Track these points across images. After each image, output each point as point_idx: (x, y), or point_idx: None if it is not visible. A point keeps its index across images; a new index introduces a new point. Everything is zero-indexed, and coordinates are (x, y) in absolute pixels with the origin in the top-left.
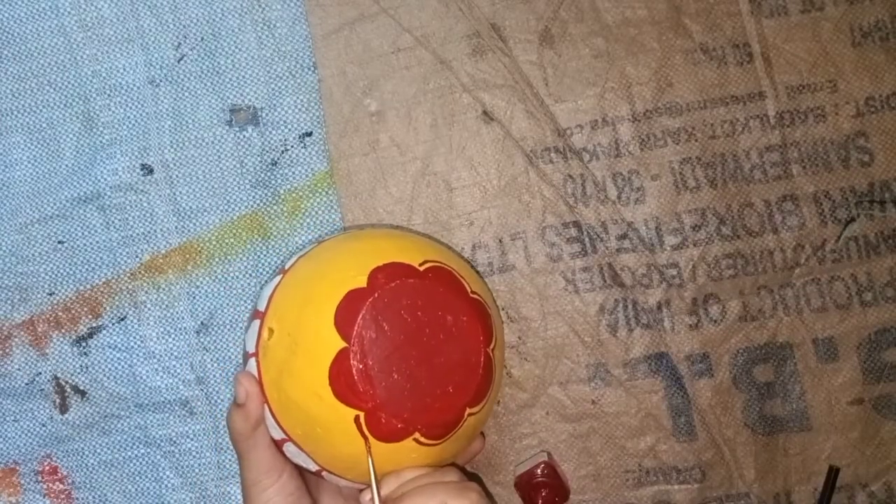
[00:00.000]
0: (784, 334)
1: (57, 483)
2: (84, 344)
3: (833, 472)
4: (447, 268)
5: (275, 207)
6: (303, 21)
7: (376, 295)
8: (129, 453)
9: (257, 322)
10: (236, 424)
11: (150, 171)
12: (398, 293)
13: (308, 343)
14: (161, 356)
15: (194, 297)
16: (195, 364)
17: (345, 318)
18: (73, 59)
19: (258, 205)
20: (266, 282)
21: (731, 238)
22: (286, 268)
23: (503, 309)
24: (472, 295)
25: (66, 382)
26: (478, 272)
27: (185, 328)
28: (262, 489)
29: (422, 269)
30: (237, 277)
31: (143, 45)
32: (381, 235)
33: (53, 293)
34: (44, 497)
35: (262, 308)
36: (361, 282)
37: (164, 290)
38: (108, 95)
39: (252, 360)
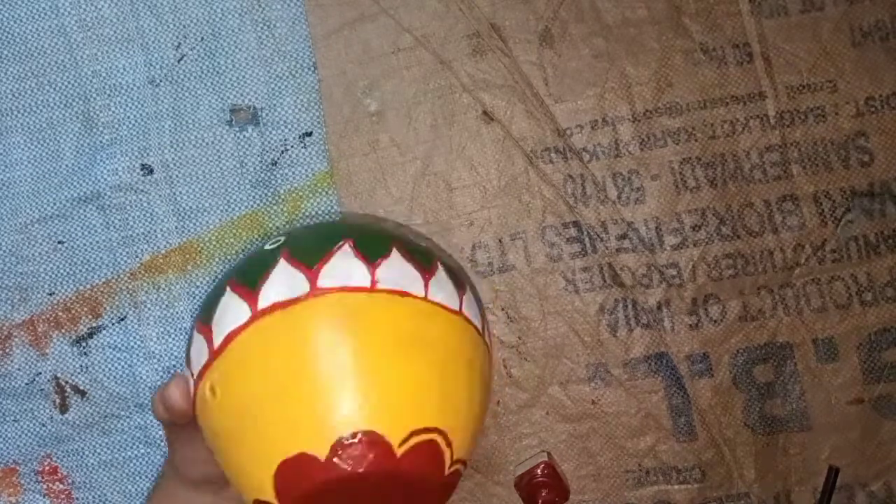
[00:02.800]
0: (784, 334)
1: (57, 483)
2: (84, 344)
3: (833, 472)
4: (435, 441)
5: (275, 207)
6: (303, 21)
7: (330, 476)
8: (129, 453)
9: (202, 345)
10: (159, 413)
11: (150, 171)
12: (360, 481)
13: (242, 477)
14: (161, 356)
15: (194, 297)
16: None
17: (288, 482)
18: (73, 59)
19: (258, 205)
20: (223, 292)
21: (731, 238)
22: (259, 308)
23: (503, 309)
24: (448, 471)
25: (66, 382)
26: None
27: (185, 328)
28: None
29: (400, 451)
30: None
31: (143, 45)
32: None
33: (53, 293)
34: (44, 497)
35: (215, 340)
36: (321, 449)
37: (164, 290)
38: (108, 95)
39: (189, 379)
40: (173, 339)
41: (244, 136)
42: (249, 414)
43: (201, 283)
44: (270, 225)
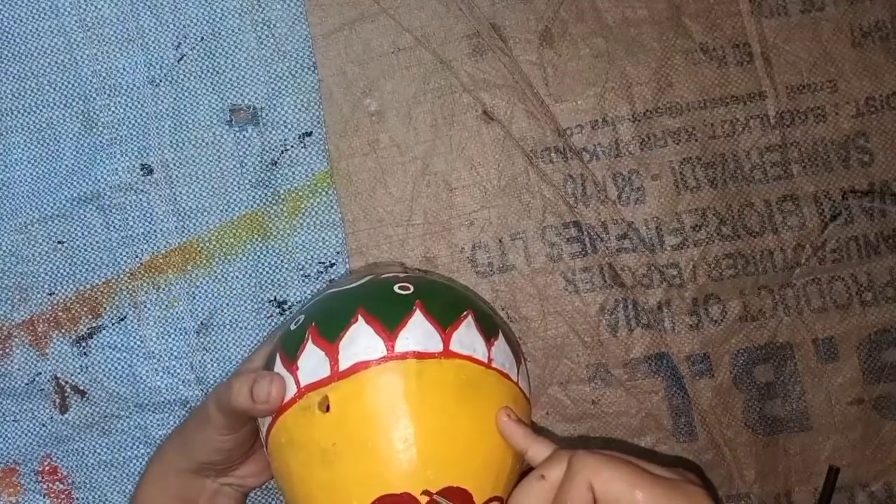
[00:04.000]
0: (784, 334)
1: (57, 483)
2: (84, 344)
3: (833, 472)
4: (462, 488)
5: (275, 207)
6: (303, 21)
7: None
8: (129, 453)
9: (323, 360)
10: (241, 401)
11: (150, 171)
12: None
13: (328, 493)
14: (161, 356)
15: (194, 297)
16: (195, 364)
17: None
18: (73, 59)
19: (258, 205)
20: (353, 319)
21: (732, 238)
22: (396, 351)
23: (503, 309)
24: None
25: (66, 382)
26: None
27: (184, 328)
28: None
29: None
30: (237, 277)
31: (143, 45)
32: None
33: (53, 293)
34: (44, 497)
35: (341, 362)
36: (420, 493)
37: (163, 290)
38: (108, 95)
39: (285, 381)
40: (173, 339)
41: (244, 136)
42: (360, 442)
43: (201, 283)
44: (270, 225)
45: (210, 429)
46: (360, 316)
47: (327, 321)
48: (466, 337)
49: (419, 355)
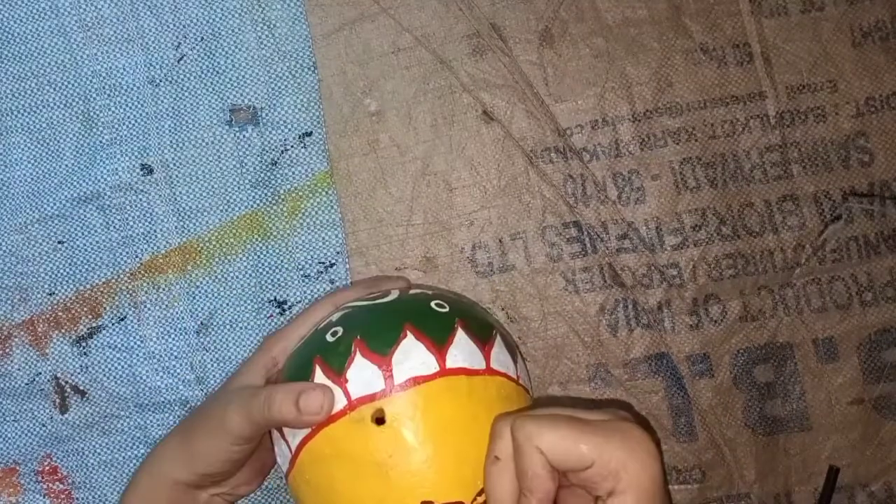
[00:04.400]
0: (784, 334)
1: (57, 483)
2: (84, 344)
3: (833, 473)
4: None
5: (275, 207)
6: (303, 21)
7: None
8: (129, 453)
9: (375, 374)
10: (284, 413)
11: (150, 171)
12: None
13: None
14: (161, 356)
15: (194, 297)
16: (195, 364)
17: None
18: (73, 59)
19: (258, 205)
20: (402, 334)
21: (732, 238)
22: (447, 367)
23: (503, 309)
24: None
25: (66, 382)
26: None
27: (184, 328)
28: (230, 448)
29: None
30: (237, 277)
31: (143, 45)
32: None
33: (53, 293)
34: (44, 497)
35: (396, 376)
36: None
37: (163, 290)
38: (108, 95)
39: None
40: (173, 339)
41: (244, 136)
42: (416, 455)
43: (201, 283)
44: (270, 225)
45: (224, 439)
46: (408, 332)
47: (375, 335)
48: (501, 355)
49: (468, 372)
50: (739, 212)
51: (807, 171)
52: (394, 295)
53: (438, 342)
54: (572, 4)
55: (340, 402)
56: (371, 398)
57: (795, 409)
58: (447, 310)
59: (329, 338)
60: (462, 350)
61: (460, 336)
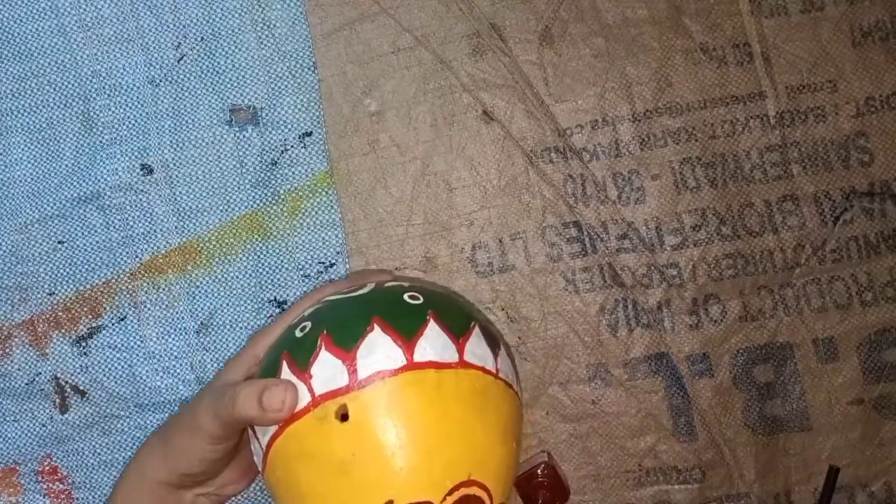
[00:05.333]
0: (784, 334)
1: (57, 483)
2: (84, 344)
3: (833, 472)
4: (478, 495)
5: (275, 207)
6: (303, 21)
7: None
8: (129, 453)
9: (339, 369)
10: (248, 410)
11: (150, 171)
12: None
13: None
14: (161, 356)
15: (194, 297)
16: (195, 364)
17: None
18: (73, 59)
19: (258, 205)
20: (370, 328)
21: (732, 238)
22: (414, 361)
23: (503, 309)
24: None
25: (66, 382)
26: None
27: (185, 328)
28: (205, 449)
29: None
30: (237, 277)
31: (143, 45)
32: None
33: (53, 293)
34: (44, 497)
35: (360, 371)
36: (438, 498)
37: (164, 290)
38: (108, 95)
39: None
40: (173, 339)
41: (244, 136)
42: (380, 452)
43: (201, 283)
44: (270, 225)
45: (199, 438)
46: (375, 325)
47: (341, 329)
48: (478, 347)
49: (437, 365)
50: (739, 212)
51: (807, 171)
52: (367, 288)
53: (407, 335)
54: (572, 4)
55: (304, 399)
56: (335, 394)
57: (795, 409)
58: (420, 301)
59: (297, 333)
60: (432, 343)
61: (431, 328)
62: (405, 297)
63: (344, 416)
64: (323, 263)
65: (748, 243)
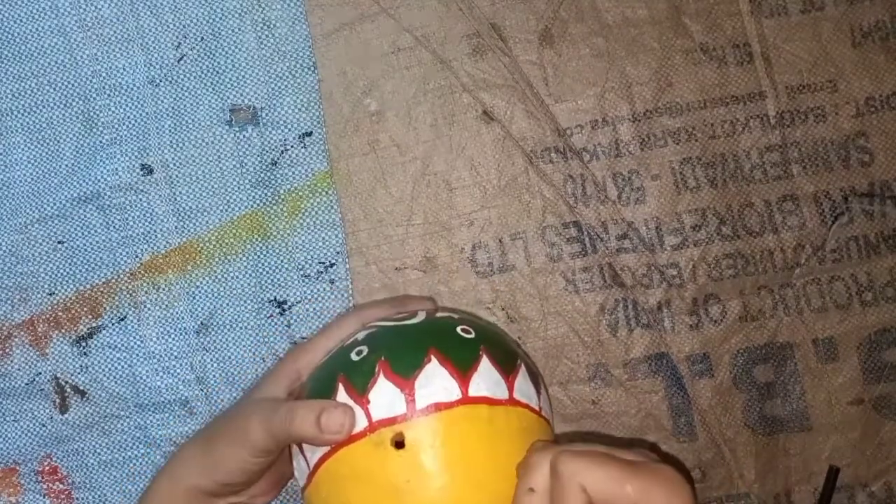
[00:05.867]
0: (784, 334)
1: (57, 483)
2: (84, 344)
3: (833, 472)
4: None
5: (275, 207)
6: (303, 21)
7: None
8: (129, 453)
9: (398, 397)
10: (305, 429)
11: (150, 171)
12: None
13: None
14: (161, 356)
15: (194, 297)
16: (195, 364)
17: None
18: (73, 59)
19: (258, 205)
20: (426, 359)
21: (732, 238)
22: (470, 395)
23: (503, 309)
24: None
25: (66, 382)
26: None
27: (184, 328)
28: (249, 463)
29: None
30: (237, 277)
31: (143, 45)
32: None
33: (53, 293)
34: (44, 497)
35: (418, 401)
36: None
37: (163, 290)
38: (108, 95)
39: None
40: (173, 339)
41: (244, 136)
42: (433, 481)
43: (201, 283)
44: (270, 225)
45: (245, 450)
46: (432, 356)
47: (400, 357)
48: (524, 385)
49: (490, 401)
50: (739, 212)
51: (807, 171)
52: (420, 317)
53: (462, 369)
54: (572, 4)
55: (361, 423)
56: (392, 421)
57: (795, 409)
58: (472, 336)
59: (354, 356)
60: (485, 378)
61: (484, 364)
62: (458, 329)
63: (399, 444)
64: (323, 263)
65: (748, 243)
